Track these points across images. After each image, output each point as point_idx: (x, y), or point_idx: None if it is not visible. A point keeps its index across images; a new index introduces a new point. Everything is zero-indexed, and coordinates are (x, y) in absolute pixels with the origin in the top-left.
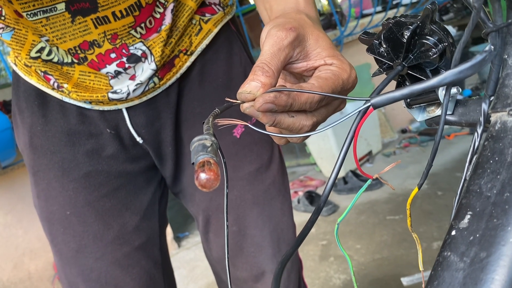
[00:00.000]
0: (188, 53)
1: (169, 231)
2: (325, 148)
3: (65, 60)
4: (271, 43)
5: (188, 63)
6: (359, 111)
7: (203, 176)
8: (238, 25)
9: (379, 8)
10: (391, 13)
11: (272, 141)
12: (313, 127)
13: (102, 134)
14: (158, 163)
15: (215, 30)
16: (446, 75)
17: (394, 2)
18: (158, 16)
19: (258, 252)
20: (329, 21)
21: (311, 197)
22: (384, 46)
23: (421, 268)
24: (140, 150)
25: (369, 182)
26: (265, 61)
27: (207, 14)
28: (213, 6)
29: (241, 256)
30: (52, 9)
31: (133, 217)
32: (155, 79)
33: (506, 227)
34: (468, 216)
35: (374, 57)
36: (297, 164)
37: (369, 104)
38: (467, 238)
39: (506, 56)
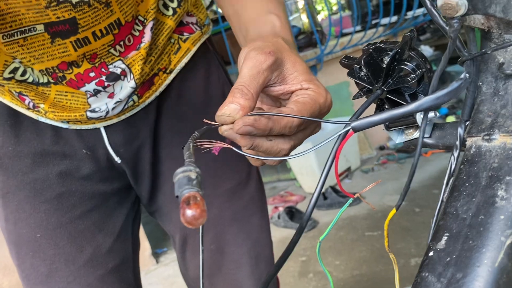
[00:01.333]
0: (168, 71)
1: (147, 246)
2: (305, 164)
3: (41, 81)
4: (250, 66)
5: (167, 81)
6: (339, 134)
7: (189, 213)
8: (215, 44)
9: (358, 28)
10: (370, 33)
11: None
12: (290, 151)
13: (77, 154)
14: (134, 182)
15: (194, 49)
16: (423, 101)
17: (373, 22)
18: (137, 33)
19: (237, 269)
20: (310, 39)
21: (291, 212)
22: (364, 70)
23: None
24: (115, 170)
25: (350, 201)
26: (244, 84)
27: (185, 33)
28: (190, 25)
29: (219, 274)
30: (31, 29)
31: (107, 239)
32: (135, 97)
33: (481, 248)
34: (445, 238)
35: (355, 81)
36: (277, 179)
37: (349, 128)
38: (444, 259)
39: (480, 83)
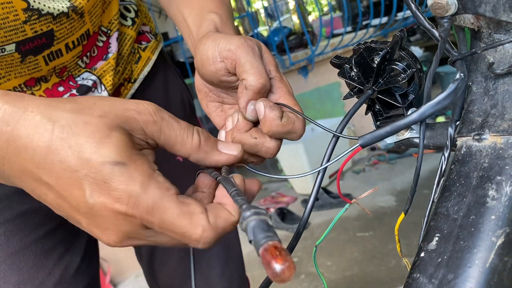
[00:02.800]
0: (132, 80)
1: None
2: (296, 165)
3: None
4: (251, 54)
5: (132, 91)
6: (349, 150)
7: (278, 267)
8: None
9: (349, 28)
10: (360, 33)
11: None
12: (279, 148)
13: None
14: None
15: (154, 57)
16: (425, 108)
17: (364, 23)
18: (101, 44)
19: (207, 272)
20: (301, 40)
21: (282, 213)
22: (355, 70)
23: None
24: None
25: (347, 206)
26: (266, 78)
27: (143, 42)
28: (146, 34)
29: (190, 280)
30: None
31: (74, 258)
32: None
33: (472, 249)
34: (436, 238)
35: (345, 81)
36: (268, 180)
37: (357, 145)
38: (435, 260)
39: (470, 83)
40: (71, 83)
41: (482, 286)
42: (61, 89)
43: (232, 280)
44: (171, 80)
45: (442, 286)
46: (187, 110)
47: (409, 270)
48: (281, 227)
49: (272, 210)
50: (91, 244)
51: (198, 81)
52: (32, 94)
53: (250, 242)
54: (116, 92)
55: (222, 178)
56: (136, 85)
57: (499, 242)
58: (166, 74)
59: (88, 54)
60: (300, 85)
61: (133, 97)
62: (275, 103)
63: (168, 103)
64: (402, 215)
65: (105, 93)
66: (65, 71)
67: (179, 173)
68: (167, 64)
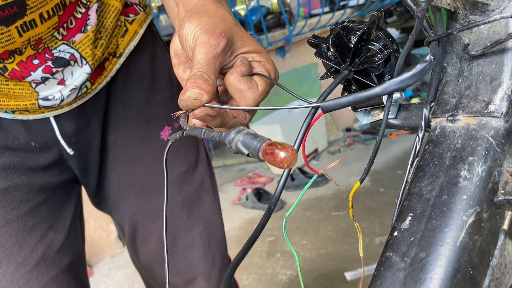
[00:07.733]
0: (117, 55)
1: (113, 229)
2: None
3: None
4: (204, 52)
5: (117, 66)
6: (307, 115)
7: (283, 154)
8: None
9: (326, 9)
10: (338, 14)
11: (197, 142)
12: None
13: (22, 146)
14: (82, 174)
15: (141, 31)
16: (389, 84)
17: (341, 4)
18: (79, 16)
19: (189, 253)
20: (278, 20)
21: (259, 193)
22: (332, 50)
23: (361, 254)
24: (63, 162)
25: (315, 177)
26: (203, 70)
27: (130, 15)
28: (134, 6)
29: (172, 260)
30: None
31: (58, 236)
32: (88, 84)
33: (443, 228)
34: (409, 218)
35: (322, 61)
36: (246, 161)
37: (316, 105)
38: (408, 239)
39: (445, 64)
40: (46, 55)
41: (452, 264)
42: (35, 62)
43: (214, 262)
44: (158, 55)
45: (414, 264)
46: (174, 88)
47: (359, 234)
48: (257, 207)
49: (249, 190)
50: (76, 222)
51: (177, 46)
52: (5, 67)
53: (248, 155)
54: (100, 67)
55: (192, 127)
56: (122, 59)
57: (470, 221)
58: (154, 49)
59: (65, 25)
60: (277, 66)
61: (119, 72)
62: (255, 73)
63: (154, 79)
64: (358, 183)
65: (87, 68)
66: (40, 43)
67: (162, 152)
68: (155, 38)
